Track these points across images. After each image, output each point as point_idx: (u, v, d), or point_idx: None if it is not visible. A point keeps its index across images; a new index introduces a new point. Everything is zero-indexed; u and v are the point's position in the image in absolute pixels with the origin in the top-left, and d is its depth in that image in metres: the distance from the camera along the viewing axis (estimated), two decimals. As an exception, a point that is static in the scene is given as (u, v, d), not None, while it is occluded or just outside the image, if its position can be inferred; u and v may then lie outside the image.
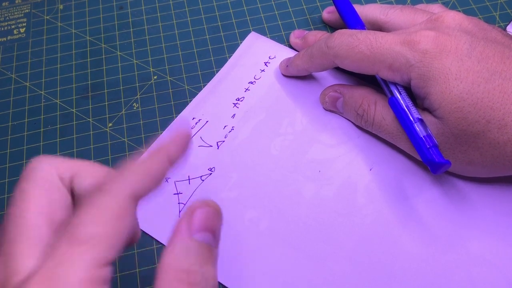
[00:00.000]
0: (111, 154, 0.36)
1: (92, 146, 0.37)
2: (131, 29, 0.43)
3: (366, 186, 0.33)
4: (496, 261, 0.30)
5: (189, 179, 0.34)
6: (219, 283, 0.31)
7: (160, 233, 0.32)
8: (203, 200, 0.21)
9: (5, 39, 0.44)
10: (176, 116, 0.38)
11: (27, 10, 0.46)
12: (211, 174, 0.34)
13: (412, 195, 0.32)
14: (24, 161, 0.36)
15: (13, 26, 0.45)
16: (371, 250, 0.31)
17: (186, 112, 0.37)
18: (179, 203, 0.33)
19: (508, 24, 0.39)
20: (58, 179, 0.20)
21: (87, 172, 0.21)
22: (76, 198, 0.21)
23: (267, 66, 0.39)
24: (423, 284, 0.29)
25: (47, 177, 0.20)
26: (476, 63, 0.27)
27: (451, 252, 0.30)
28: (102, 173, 0.21)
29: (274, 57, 0.40)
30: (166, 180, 0.34)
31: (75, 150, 0.37)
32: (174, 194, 0.34)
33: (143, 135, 0.37)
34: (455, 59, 0.28)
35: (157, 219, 0.33)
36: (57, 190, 0.20)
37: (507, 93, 0.27)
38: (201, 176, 0.34)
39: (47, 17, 0.45)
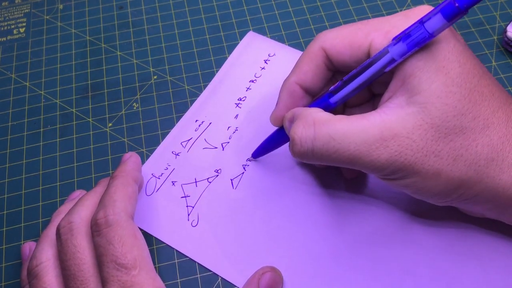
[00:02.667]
0: (111, 154, 0.36)
1: (92, 146, 0.37)
2: (131, 29, 0.43)
3: (374, 181, 0.33)
4: (507, 251, 0.30)
5: (196, 182, 0.34)
6: (229, 282, 0.31)
7: (169, 237, 0.32)
8: (272, 267, 0.30)
9: (5, 39, 0.44)
10: (176, 116, 0.38)
11: (27, 10, 0.46)
12: (217, 175, 0.34)
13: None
14: (24, 161, 0.36)
15: (13, 26, 0.44)
16: (382, 245, 0.31)
17: (188, 115, 0.37)
18: (187, 206, 0.33)
19: (508, 24, 0.39)
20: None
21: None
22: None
23: (267, 63, 0.39)
24: (435, 275, 0.29)
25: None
26: (473, 57, 0.26)
27: (462, 240, 0.30)
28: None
29: (274, 54, 0.40)
30: (173, 184, 0.34)
31: (75, 150, 0.37)
32: (182, 197, 0.34)
33: (143, 135, 0.37)
34: (456, 42, 0.25)
35: (166, 222, 0.33)
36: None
37: (495, 95, 0.25)
38: (207, 178, 0.34)
39: (47, 17, 0.45)
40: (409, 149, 0.24)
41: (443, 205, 0.27)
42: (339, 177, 0.33)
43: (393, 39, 0.24)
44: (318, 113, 0.26)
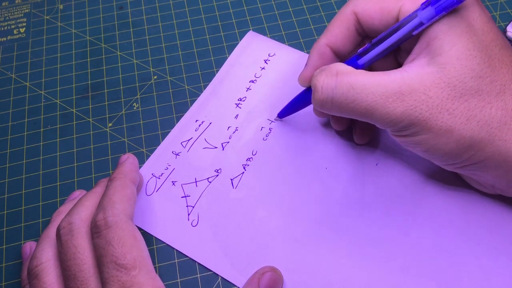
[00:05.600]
0: (111, 154, 0.36)
1: (92, 146, 0.37)
2: (131, 29, 0.43)
3: (373, 181, 0.33)
4: (506, 250, 0.30)
5: (196, 182, 0.34)
6: (229, 282, 0.31)
7: (170, 237, 0.32)
8: (272, 267, 0.30)
9: (5, 39, 0.44)
10: (176, 116, 0.38)
11: (27, 10, 0.46)
12: (217, 175, 0.34)
13: (418, 187, 0.32)
14: (24, 161, 0.36)
15: (13, 26, 0.44)
16: (381, 243, 0.31)
17: (188, 115, 0.37)
18: (187, 206, 0.33)
19: (508, 24, 0.39)
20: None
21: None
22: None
23: (267, 63, 0.39)
24: (435, 274, 0.29)
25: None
26: (497, 29, 0.27)
27: (461, 241, 0.30)
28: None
29: (274, 54, 0.40)
30: (173, 183, 0.34)
31: (75, 150, 0.37)
32: (182, 197, 0.34)
33: (143, 135, 0.37)
34: (482, 12, 0.26)
35: (166, 222, 0.33)
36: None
37: None
38: (208, 178, 0.34)
39: (47, 17, 0.45)
40: (424, 105, 0.25)
41: (452, 169, 0.28)
42: (340, 176, 0.33)
43: (422, 4, 0.26)
44: (341, 66, 0.28)
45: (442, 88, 0.25)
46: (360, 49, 0.28)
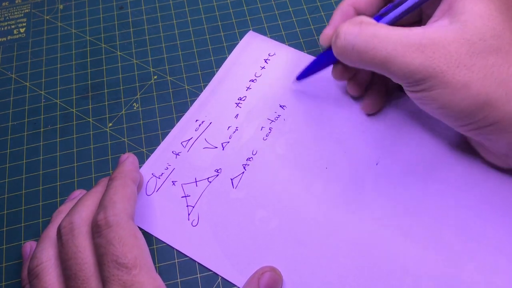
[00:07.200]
0: (111, 154, 0.36)
1: (92, 146, 0.37)
2: (131, 29, 0.43)
3: (374, 181, 0.33)
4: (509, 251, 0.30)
5: (196, 181, 0.34)
6: (229, 282, 0.31)
7: (170, 237, 0.32)
8: (272, 266, 0.30)
9: (5, 39, 0.44)
10: (176, 116, 0.38)
11: (27, 10, 0.46)
12: (217, 175, 0.34)
13: (418, 187, 0.32)
14: (24, 161, 0.36)
15: (13, 26, 0.44)
16: (382, 244, 0.31)
17: (188, 114, 0.37)
18: (187, 206, 0.33)
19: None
20: None
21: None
22: None
23: (267, 63, 0.39)
24: (435, 275, 0.29)
25: None
26: None
27: (460, 241, 0.30)
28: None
29: (274, 54, 0.40)
30: (173, 183, 0.34)
31: (75, 150, 0.37)
32: (182, 197, 0.34)
33: (143, 135, 0.37)
34: None
35: (166, 222, 0.33)
36: None
37: None
38: (208, 178, 0.34)
39: (47, 17, 0.45)
40: (443, 58, 0.26)
41: (465, 131, 0.28)
42: (340, 176, 0.33)
43: None
44: (365, 17, 0.29)
45: (462, 44, 0.26)
46: (382, 9, 0.29)
